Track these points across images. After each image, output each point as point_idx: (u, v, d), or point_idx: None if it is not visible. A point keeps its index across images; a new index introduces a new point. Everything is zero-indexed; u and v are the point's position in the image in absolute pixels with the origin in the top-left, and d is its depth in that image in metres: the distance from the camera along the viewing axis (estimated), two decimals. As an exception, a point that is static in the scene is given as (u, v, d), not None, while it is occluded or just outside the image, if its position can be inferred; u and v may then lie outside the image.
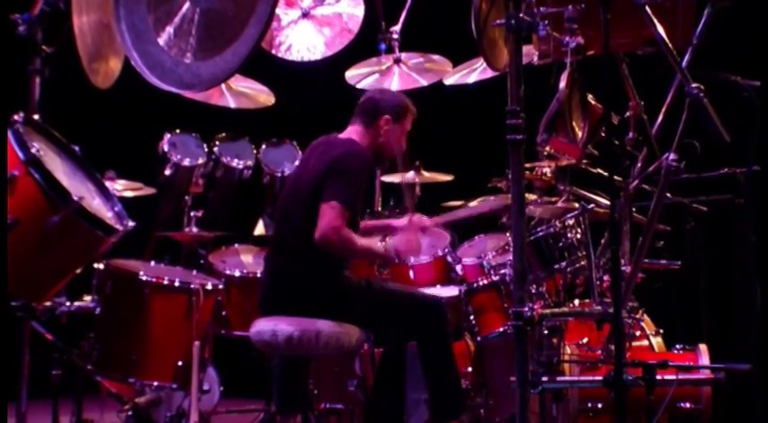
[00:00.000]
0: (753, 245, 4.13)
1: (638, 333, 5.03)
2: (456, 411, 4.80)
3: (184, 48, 3.81)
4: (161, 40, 3.87)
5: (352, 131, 4.90)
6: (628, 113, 4.81)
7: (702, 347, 4.86)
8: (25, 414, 4.46)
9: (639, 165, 4.85)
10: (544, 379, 4.41)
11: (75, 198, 4.16)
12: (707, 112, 4.06)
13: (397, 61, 6.01)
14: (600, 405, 4.75)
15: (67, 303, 4.94)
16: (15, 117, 4.30)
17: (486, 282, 5.30)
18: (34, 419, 4.77)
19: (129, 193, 5.93)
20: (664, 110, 4.70)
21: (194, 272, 5.82)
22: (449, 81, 5.93)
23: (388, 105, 4.89)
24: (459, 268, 5.67)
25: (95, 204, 4.45)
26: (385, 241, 4.89)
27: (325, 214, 4.55)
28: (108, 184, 4.92)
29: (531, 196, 5.28)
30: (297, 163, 5.82)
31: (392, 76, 5.97)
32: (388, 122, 4.86)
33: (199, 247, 6.11)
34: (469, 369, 5.41)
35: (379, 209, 6.05)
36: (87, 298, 5.22)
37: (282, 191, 5.06)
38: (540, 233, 4.84)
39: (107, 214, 4.48)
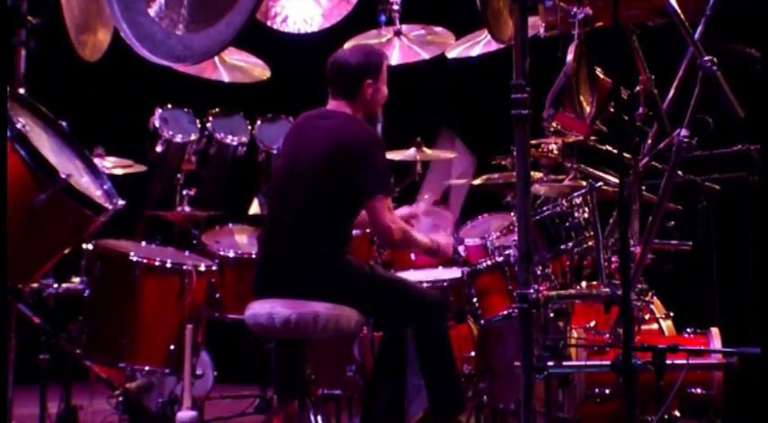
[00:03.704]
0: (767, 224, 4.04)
1: (647, 316, 4.97)
2: (455, 409, 4.77)
3: (176, 19, 3.76)
4: (151, 11, 3.83)
5: (340, 106, 4.75)
6: (638, 88, 4.73)
7: (714, 331, 4.80)
8: (12, 400, 4.48)
9: (650, 141, 4.78)
10: (550, 364, 4.36)
11: (63, 176, 4.14)
12: (720, 87, 3.97)
13: (398, 33, 5.91)
14: (607, 391, 4.69)
15: (55, 285, 4.95)
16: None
17: (489, 263, 5.21)
18: (21, 405, 4.80)
19: (118, 171, 5.91)
20: (675, 84, 4.62)
21: (187, 253, 5.79)
22: (451, 54, 5.85)
23: (364, 67, 4.73)
24: (461, 249, 5.63)
25: (84, 182, 4.44)
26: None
27: (377, 211, 4.55)
28: (97, 161, 4.99)
29: (536, 174, 5.30)
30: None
31: (393, 48, 5.88)
32: (371, 85, 4.73)
33: (191, 227, 6.14)
34: (472, 353, 5.38)
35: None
36: (76, 279, 5.20)
37: (274, 169, 4.92)
38: (546, 212, 4.75)
39: (96, 192, 4.47)
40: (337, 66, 4.78)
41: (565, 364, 4.50)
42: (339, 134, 4.63)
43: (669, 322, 5.00)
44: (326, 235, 4.58)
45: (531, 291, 3.38)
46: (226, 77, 6.12)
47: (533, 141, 4.99)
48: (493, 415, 5.30)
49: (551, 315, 4.62)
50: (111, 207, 4.38)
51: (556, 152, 5.13)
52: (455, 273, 5.40)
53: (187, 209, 5.93)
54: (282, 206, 4.67)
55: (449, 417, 4.71)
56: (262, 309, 4.58)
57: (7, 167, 4.00)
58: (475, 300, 5.18)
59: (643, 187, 4.69)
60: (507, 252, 5.13)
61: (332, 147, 4.59)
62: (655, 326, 4.96)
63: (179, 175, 6.00)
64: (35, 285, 4.66)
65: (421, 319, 4.72)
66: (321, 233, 4.57)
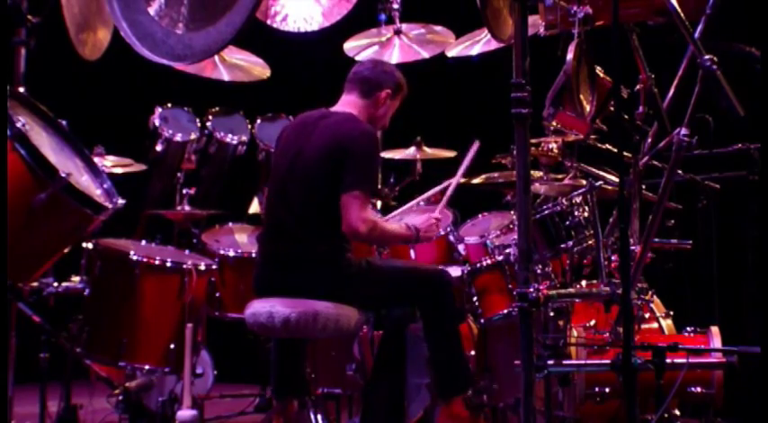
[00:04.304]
0: (766, 223, 4.02)
1: (647, 315, 4.96)
2: (462, 386, 4.74)
3: (176, 18, 3.75)
4: (151, 10, 3.83)
5: (348, 103, 4.78)
6: (638, 87, 4.71)
7: (714, 330, 4.79)
8: (12, 399, 4.46)
9: (650, 140, 4.76)
10: (550, 363, 4.31)
11: (63, 175, 4.13)
12: (720, 85, 3.96)
13: (398, 32, 5.94)
14: (607, 390, 4.68)
15: (55, 284, 4.91)
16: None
17: (489, 262, 5.20)
18: (21, 404, 4.78)
19: (118, 170, 5.92)
20: (675, 83, 4.60)
21: (187, 252, 5.79)
22: (451, 53, 5.85)
23: (391, 80, 4.80)
24: (461, 248, 5.60)
25: (84, 181, 4.44)
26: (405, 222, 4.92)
27: (350, 206, 4.51)
28: (97, 160, 5.01)
29: (536, 173, 5.24)
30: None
31: (392, 47, 5.90)
32: (388, 95, 4.78)
33: (191, 226, 6.12)
34: (473, 352, 5.34)
35: (378, 186, 5.92)
36: (76, 278, 5.18)
37: (272, 168, 4.92)
38: (546, 211, 4.76)
39: (96, 191, 4.47)
40: (369, 64, 4.91)
41: (565, 362, 4.47)
42: (338, 130, 4.63)
43: (669, 321, 4.98)
44: (326, 234, 4.57)
45: (531, 289, 3.38)
46: (226, 76, 6.10)
47: (533, 140, 4.96)
48: (493, 414, 5.29)
49: (551, 314, 4.61)
50: (110, 206, 4.37)
51: (556, 151, 5.08)
52: (455, 272, 5.35)
53: (187, 208, 5.92)
54: (282, 205, 4.66)
55: (455, 394, 4.69)
56: (262, 308, 4.57)
57: (7, 166, 3.99)
58: (475, 299, 5.16)
59: (643, 186, 4.67)
60: (507, 251, 5.13)
61: (331, 143, 4.58)
62: (655, 325, 4.94)
63: (179, 175, 5.98)
64: (35, 284, 4.63)
65: (426, 296, 4.72)
66: (321, 232, 4.57)
